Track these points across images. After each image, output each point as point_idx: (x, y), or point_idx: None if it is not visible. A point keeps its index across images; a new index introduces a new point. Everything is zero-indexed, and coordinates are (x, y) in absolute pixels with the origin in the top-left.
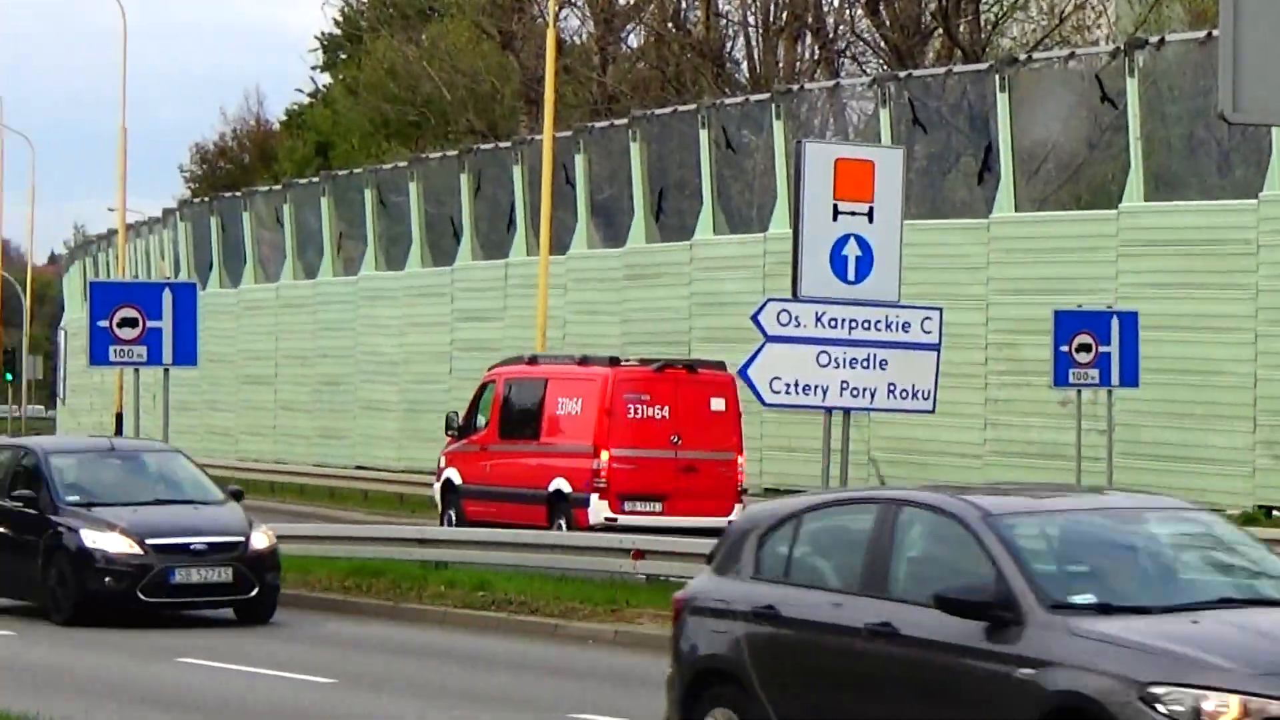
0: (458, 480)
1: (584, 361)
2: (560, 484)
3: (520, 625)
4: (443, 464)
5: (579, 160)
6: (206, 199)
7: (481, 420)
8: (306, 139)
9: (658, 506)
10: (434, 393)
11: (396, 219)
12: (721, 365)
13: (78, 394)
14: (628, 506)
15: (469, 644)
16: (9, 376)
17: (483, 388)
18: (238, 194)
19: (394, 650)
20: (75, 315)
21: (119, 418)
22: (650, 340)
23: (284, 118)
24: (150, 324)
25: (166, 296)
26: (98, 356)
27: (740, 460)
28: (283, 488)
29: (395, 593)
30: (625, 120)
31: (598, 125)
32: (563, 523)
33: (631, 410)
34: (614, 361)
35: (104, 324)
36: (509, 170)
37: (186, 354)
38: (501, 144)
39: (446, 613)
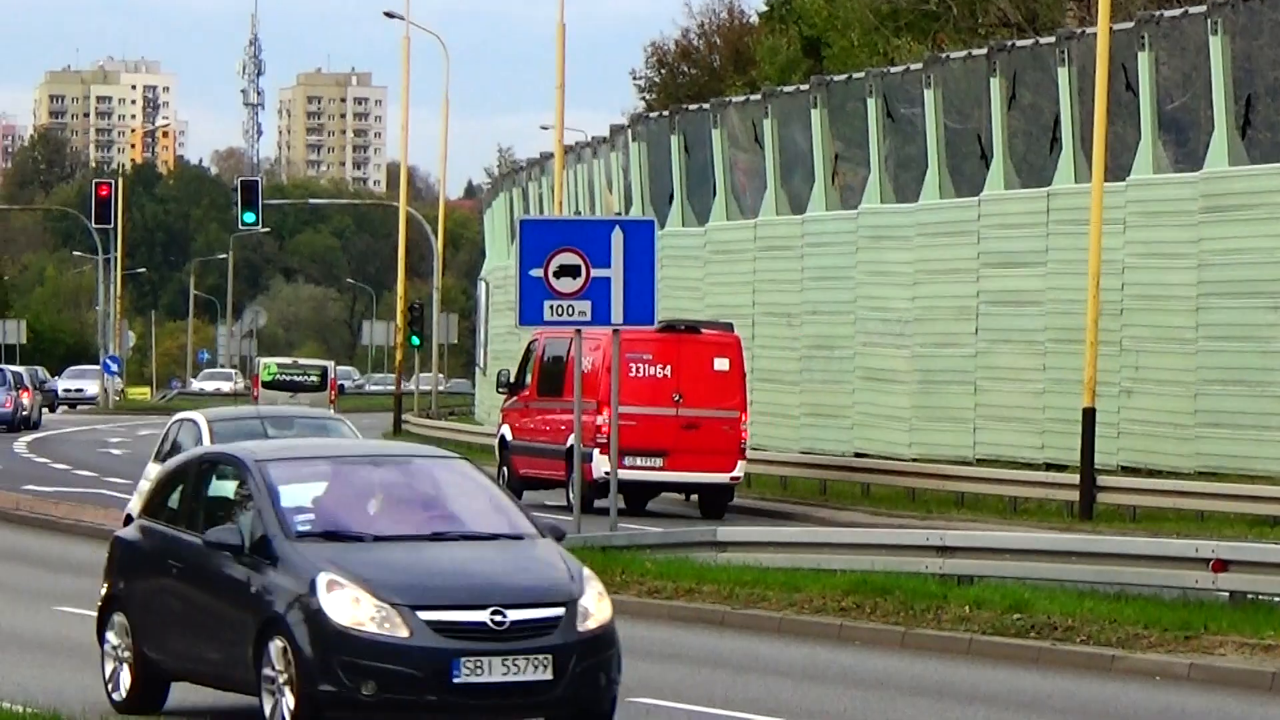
0: (509, 437)
1: None
2: (574, 440)
3: (1067, 656)
4: (500, 421)
5: (1143, 60)
6: (666, 113)
7: (528, 378)
8: (792, 35)
9: (658, 462)
10: (954, 359)
11: (908, 136)
12: (729, 326)
13: (501, 362)
14: (629, 461)
15: (999, 680)
16: (415, 341)
17: (529, 346)
18: (705, 106)
19: (902, 687)
20: (500, 262)
21: None
22: (1234, 292)
23: (764, 9)
24: (596, 273)
25: (616, 237)
26: (529, 315)
27: (744, 419)
28: (761, 480)
29: (906, 615)
30: (1203, 8)
31: (1167, 14)
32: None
33: (634, 369)
34: None
35: (537, 273)
36: (1052, 73)
37: (641, 311)
38: (1043, 39)
39: (972, 640)
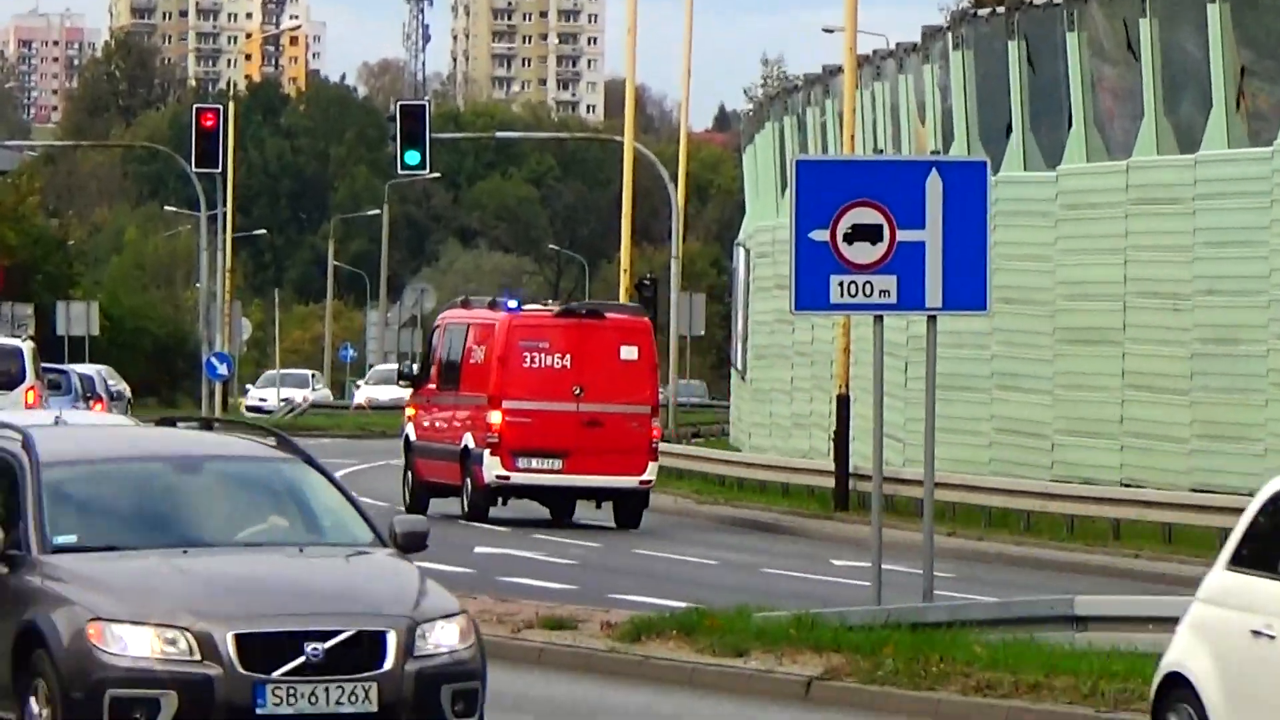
0: (413, 436)
1: (493, 305)
2: (468, 439)
3: None
4: (407, 417)
5: None
6: (1001, 10)
7: (432, 370)
8: None
9: (557, 464)
10: None
11: None
12: (639, 310)
13: (767, 361)
14: (521, 464)
15: None
16: None
17: (432, 331)
18: (1057, 1)
19: None
20: (765, 221)
21: (842, 403)
22: None
23: None
24: (903, 235)
25: (933, 186)
26: (809, 295)
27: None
28: (1135, 530)
29: None
30: None
31: None
32: (469, 481)
33: (528, 359)
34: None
35: (820, 235)
36: None
37: (970, 290)
38: None
39: None
